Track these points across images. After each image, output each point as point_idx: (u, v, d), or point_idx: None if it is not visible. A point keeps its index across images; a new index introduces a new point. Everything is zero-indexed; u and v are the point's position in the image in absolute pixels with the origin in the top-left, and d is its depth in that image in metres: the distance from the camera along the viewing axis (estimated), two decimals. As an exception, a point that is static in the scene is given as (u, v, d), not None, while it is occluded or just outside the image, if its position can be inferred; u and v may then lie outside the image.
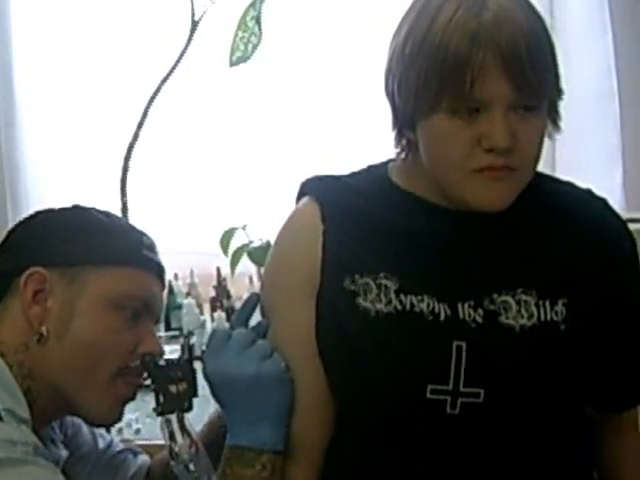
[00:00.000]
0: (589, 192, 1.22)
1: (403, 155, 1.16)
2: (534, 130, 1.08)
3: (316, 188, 1.20)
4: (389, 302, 1.11)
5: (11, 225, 1.23)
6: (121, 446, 1.36)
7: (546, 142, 1.12)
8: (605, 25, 2.51)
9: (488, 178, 1.07)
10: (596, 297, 1.14)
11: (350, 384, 1.13)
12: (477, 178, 1.07)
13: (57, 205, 1.24)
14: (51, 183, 2.64)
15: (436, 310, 1.11)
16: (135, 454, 1.36)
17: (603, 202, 1.22)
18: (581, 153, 2.54)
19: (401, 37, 1.09)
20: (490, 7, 1.03)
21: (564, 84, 1.11)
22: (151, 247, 1.24)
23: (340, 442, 1.17)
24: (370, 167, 1.23)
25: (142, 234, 1.24)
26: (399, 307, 1.11)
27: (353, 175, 1.22)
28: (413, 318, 1.11)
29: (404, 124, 1.12)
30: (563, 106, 1.12)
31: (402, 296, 1.11)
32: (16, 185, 2.63)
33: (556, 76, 1.10)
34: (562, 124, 1.14)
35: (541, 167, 1.15)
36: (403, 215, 1.15)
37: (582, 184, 1.23)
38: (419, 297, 1.11)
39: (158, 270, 1.24)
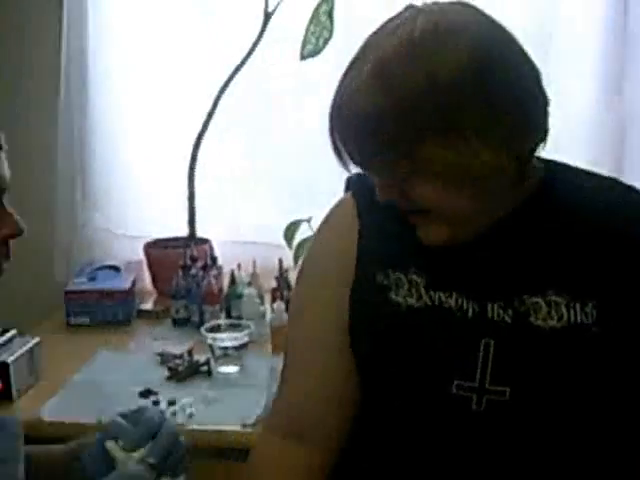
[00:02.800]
0: (632, 189, 1.18)
1: None
2: (423, 182, 1.06)
3: (355, 184, 1.24)
4: (420, 297, 1.13)
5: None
6: None
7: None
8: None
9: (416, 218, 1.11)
10: (630, 299, 1.11)
11: (377, 375, 1.15)
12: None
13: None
14: (121, 172, 2.63)
15: (464, 307, 1.11)
16: None
17: None
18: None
19: None
20: (351, 83, 1.10)
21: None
22: None
23: (362, 432, 1.18)
24: None
25: None
26: (429, 302, 1.12)
27: None
28: (442, 313, 1.12)
29: None
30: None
31: (431, 292, 1.13)
32: (84, 174, 2.64)
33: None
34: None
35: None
36: None
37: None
38: (447, 293, 1.12)
39: None
